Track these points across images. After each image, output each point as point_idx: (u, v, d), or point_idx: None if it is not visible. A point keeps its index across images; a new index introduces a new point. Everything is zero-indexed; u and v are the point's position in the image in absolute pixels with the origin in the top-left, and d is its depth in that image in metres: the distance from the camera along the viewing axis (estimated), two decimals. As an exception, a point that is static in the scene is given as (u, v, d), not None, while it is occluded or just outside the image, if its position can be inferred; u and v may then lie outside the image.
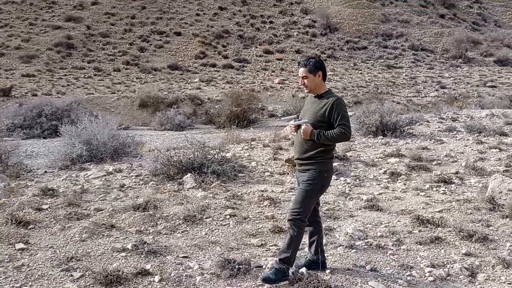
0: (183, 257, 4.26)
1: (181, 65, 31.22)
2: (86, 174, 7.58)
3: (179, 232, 4.93)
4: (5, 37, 32.45)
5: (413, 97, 24.42)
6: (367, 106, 11.41)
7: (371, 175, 7.20)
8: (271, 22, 39.46)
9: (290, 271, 3.72)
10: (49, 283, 3.67)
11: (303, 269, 3.80)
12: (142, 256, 4.23)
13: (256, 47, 35.21)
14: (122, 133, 11.19)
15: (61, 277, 3.77)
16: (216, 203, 5.81)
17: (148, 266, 3.97)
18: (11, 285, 3.61)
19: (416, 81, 28.25)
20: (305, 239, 4.00)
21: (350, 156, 8.16)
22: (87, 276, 3.80)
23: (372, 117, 10.59)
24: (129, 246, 4.42)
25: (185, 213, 5.34)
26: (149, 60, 31.41)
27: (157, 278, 3.74)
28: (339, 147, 8.51)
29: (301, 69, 3.74)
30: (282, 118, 4.11)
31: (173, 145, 12.93)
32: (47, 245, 4.47)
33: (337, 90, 24.97)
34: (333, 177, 7.01)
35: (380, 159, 8.01)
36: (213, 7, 40.87)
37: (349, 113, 20.89)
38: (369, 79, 28.09)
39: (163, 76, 28.37)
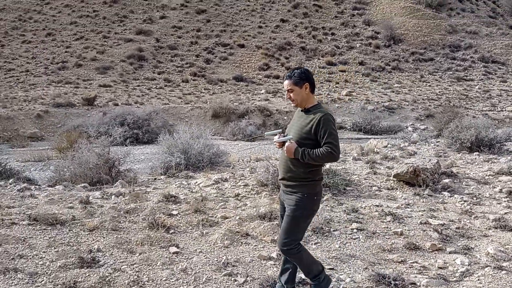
0: (329, 268, 4.36)
1: (246, 76, 31.81)
2: (196, 182, 7.91)
3: (312, 244, 5.04)
4: (81, 49, 34.59)
5: (488, 111, 23.42)
6: (460, 121, 11.08)
7: (486, 193, 6.99)
8: (333, 34, 39.36)
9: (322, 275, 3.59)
10: (218, 286, 3.89)
11: None
12: (291, 265, 4.36)
13: (319, 59, 35.23)
14: (215, 143, 11.60)
15: (226, 281, 3.99)
16: (337, 216, 5.88)
17: (302, 276, 4.10)
18: (184, 287, 3.86)
19: (490, 94, 27.07)
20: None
21: (457, 172, 7.98)
22: (249, 281, 3.99)
23: (467, 132, 10.29)
24: (273, 255, 4.58)
25: (311, 225, 5.45)
26: (214, 72, 32.27)
27: (318, 288, 3.86)
28: (443, 163, 8.35)
29: (286, 82, 3.41)
30: (265, 133, 3.75)
31: (254, 155, 13.23)
32: (196, 250, 4.72)
33: (406, 103, 24.47)
34: (446, 193, 6.91)
35: (490, 177, 7.77)
36: (275, 20, 41.39)
37: (422, 126, 20.31)
38: (439, 92, 27.26)
39: (229, 87, 29.04)
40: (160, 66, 32.38)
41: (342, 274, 4.22)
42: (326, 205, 6.36)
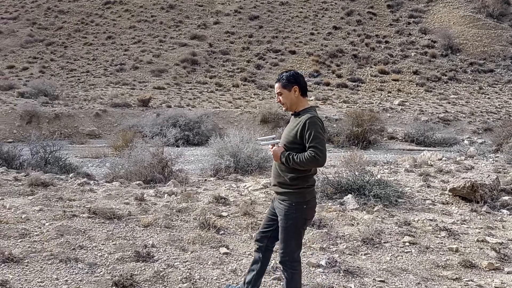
0: (380, 281, 4.27)
1: (296, 82, 31.76)
2: (245, 185, 8.01)
3: (362, 254, 4.96)
4: (138, 52, 36.02)
5: (553, 127, 21.98)
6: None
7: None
8: (386, 42, 38.55)
9: None
10: (268, 290, 3.93)
11: None
12: (340, 274, 4.32)
13: (371, 67, 34.61)
14: (263, 148, 11.68)
15: (275, 286, 4.01)
16: (388, 228, 5.75)
17: (352, 286, 4.05)
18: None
19: (556, 109, 25.44)
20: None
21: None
22: (298, 288, 3.99)
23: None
24: (322, 263, 4.55)
25: (361, 235, 5.37)
26: (265, 77, 32.51)
27: (369, 300, 3.80)
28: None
29: (276, 85, 3.31)
30: (258, 138, 3.59)
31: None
32: (245, 252, 4.78)
33: (463, 115, 23.49)
34: (505, 211, 6.57)
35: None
36: (327, 27, 41.14)
37: (479, 140, 19.36)
38: (499, 105, 25.96)
39: (279, 93, 29.12)
40: (212, 71, 33.08)
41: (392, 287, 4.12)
42: (377, 216, 6.23)
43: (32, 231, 4.81)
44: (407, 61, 35.30)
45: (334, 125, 21.26)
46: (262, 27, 40.64)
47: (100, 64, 33.88)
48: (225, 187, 7.89)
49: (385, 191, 6.84)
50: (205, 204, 6.56)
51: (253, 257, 3.59)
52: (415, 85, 31.25)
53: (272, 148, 3.26)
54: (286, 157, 3.13)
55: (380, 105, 25.09)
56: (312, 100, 27.00)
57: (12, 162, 9.84)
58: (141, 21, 42.40)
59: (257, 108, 22.69)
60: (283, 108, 3.33)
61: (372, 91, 30.12)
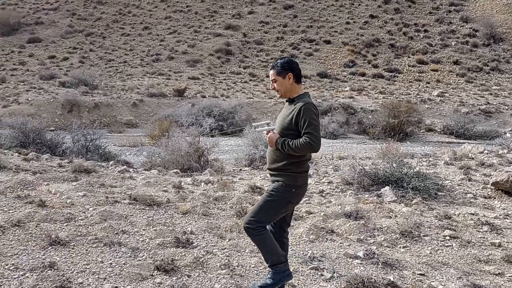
0: (420, 274, 4.20)
1: (330, 73, 31.39)
2: (280, 176, 8.02)
3: (400, 247, 4.89)
4: (174, 43, 36.48)
5: None
6: None
7: None
8: (425, 31, 37.39)
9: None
10: (305, 279, 3.94)
11: None
12: (378, 266, 4.28)
13: (409, 57, 33.70)
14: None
15: (312, 275, 4.02)
16: (427, 221, 5.63)
17: (391, 278, 4.01)
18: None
19: None
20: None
21: None
22: (335, 277, 3.99)
23: None
24: (360, 254, 4.52)
25: (400, 228, 5.28)
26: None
27: (409, 293, 3.75)
28: None
29: (271, 72, 3.33)
30: (253, 124, 3.57)
31: (335, 153, 13.05)
32: (282, 242, 4.81)
33: (506, 107, 22.56)
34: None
35: None
36: (363, 16, 40.29)
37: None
38: (545, 96, 24.77)
39: (313, 84, 28.88)
40: (245, 61, 33.11)
41: (434, 281, 4.04)
42: (416, 209, 6.11)
43: (77, 216, 5.00)
44: (447, 50, 34.15)
45: (370, 117, 20.92)
46: (297, 17, 40.24)
47: (137, 54, 34.55)
48: (260, 177, 7.93)
49: (424, 183, 6.68)
50: (241, 193, 6.62)
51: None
52: (455, 76, 30.23)
53: (267, 134, 3.27)
54: (281, 143, 3.15)
55: (418, 96, 24.44)
56: (347, 90, 26.62)
57: (55, 150, 10.24)
58: (176, 11, 42.85)
59: (291, 98, 22.57)
60: (278, 95, 3.36)
61: (410, 82, 29.36)
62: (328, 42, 36.28)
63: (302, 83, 3.42)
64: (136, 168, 8.61)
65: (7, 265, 3.72)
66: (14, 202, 5.30)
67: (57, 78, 26.08)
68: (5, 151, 8.53)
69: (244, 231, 3.39)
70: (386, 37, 36.57)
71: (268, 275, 3.37)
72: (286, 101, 3.36)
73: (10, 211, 5.00)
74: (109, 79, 28.07)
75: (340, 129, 19.78)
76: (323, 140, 19.08)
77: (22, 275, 3.57)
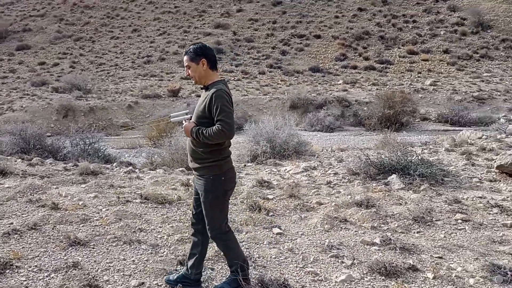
0: (438, 257, 4.26)
1: (322, 67, 31.47)
2: (285, 169, 8.06)
3: (415, 232, 4.94)
4: (164, 44, 36.33)
5: None
6: None
7: None
8: (414, 22, 37.60)
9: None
10: (327, 267, 3.97)
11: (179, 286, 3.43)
12: (397, 252, 4.33)
13: (399, 48, 33.88)
14: (299, 133, 11.70)
15: (333, 263, 4.06)
16: (438, 207, 5.70)
17: (411, 262, 4.06)
18: (294, 265, 3.99)
19: None
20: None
21: None
22: (356, 264, 4.03)
23: None
24: (377, 241, 4.57)
25: (412, 214, 5.34)
26: (291, 63, 32.30)
27: (430, 275, 3.80)
28: None
29: (184, 58, 3.22)
30: (171, 115, 3.45)
31: (334, 145, 13.13)
32: (298, 232, 4.84)
33: (498, 93, 22.79)
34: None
35: None
36: (352, 9, 40.43)
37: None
38: (536, 81, 25.04)
39: (306, 79, 28.93)
40: (237, 59, 33.08)
41: (452, 263, 4.10)
42: (424, 195, 6.18)
43: (92, 216, 5.00)
44: (437, 40, 34.38)
45: (365, 108, 20.99)
46: (286, 13, 40.27)
47: (128, 57, 34.37)
48: (266, 171, 7.97)
49: (430, 170, 6.76)
50: (249, 188, 6.65)
51: (191, 242, 3.52)
52: (446, 65, 30.45)
53: (184, 123, 3.22)
54: (196, 132, 3.08)
55: (411, 86, 24.60)
56: (340, 84, 26.72)
57: (57, 154, 10.18)
58: (164, 12, 42.69)
59: (285, 94, 22.62)
60: (193, 82, 3.30)
61: (401, 73, 29.53)
62: (318, 36, 36.34)
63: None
64: (140, 168, 8.59)
65: (30, 267, 3.72)
66: (26, 206, 5.28)
67: (49, 84, 25.87)
68: (8, 157, 8.47)
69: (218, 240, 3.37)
70: (376, 29, 36.72)
71: (228, 279, 3.39)
72: (201, 88, 3.27)
73: (24, 215, 4.99)
74: (102, 83, 27.90)
75: (336, 122, 19.84)
76: (320, 134, 19.04)
77: (47, 276, 3.57)
